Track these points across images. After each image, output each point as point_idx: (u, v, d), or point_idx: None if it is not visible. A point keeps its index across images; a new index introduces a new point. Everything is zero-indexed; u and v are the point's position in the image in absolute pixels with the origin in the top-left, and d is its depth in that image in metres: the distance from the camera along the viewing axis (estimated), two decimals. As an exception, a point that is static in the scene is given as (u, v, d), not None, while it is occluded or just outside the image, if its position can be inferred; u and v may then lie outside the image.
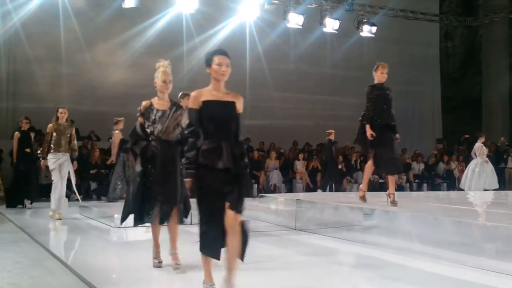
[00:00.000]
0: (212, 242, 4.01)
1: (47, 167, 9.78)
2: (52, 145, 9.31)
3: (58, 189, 9.32)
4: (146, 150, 5.22)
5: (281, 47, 18.89)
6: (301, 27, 17.71)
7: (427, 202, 9.46)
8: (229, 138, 4.08)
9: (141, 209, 5.29)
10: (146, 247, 6.97)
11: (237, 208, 3.98)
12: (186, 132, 4.14)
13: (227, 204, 3.94)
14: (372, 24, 18.72)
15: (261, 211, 9.36)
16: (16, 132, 11.38)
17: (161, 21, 17.08)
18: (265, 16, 17.89)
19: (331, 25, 18.01)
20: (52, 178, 9.43)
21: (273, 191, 15.33)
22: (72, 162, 9.54)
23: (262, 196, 10.38)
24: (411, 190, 17.64)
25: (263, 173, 16.15)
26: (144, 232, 8.32)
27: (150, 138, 5.27)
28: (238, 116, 4.18)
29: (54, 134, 9.33)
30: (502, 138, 19.29)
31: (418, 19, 21.11)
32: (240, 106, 4.21)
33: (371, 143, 7.53)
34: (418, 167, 18.73)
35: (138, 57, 17.09)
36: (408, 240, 6.38)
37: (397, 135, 7.70)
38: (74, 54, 16.40)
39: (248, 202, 4.13)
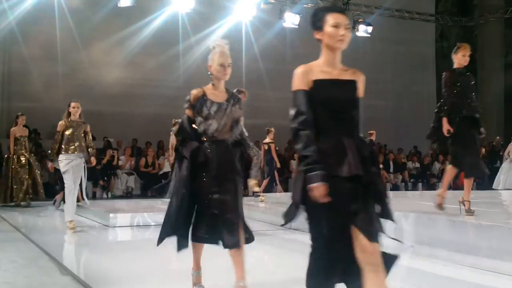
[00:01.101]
0: (327, 278, 2.96)
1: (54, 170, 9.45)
2: (63, 145, 7.92)
3: (73, 194, 7.96)
4: (197, 154, 4.10)
5: (278, 46, 18.89)
6: (297, 26, 17.72)
7: (422, 201, 9.47)
8: (352, 133, 2.92)
9: (186, 228, 4.18)
10: (141, 247, 6.98)
11: (372, 234, 2.87)
12: (295, 123, 2.90)
13: (356, 229, 2.83)
14: (368, 24, 18.76)
15: (257, 210, 9.37)
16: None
17: (157, 20, 17.08)
18: (261, 16, 17.89)
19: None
20: (65, 182, 7.96)
21: (269, 191, 15.34)
22: (90, 158, 8.25)
23: (257, 195, 10.40)
24: (406, 189, 17.71)
25: (259, 173, 16.15)
26: (139, 232, 8.33)
27: (201, 138, 4.17)
28: (359, 101, 3.02)
29: (66, 132, 7.97)
30: (498, 137, 19.37)
31: (414, 19, 21.16)
32: (361, 87, 3.06)
33: (449, 140, 6.42)
34: (413, 166, 18.77)
35: (134, 56, 17.09)
36: (403, 240, 6.38)
37: (482, 129, 6.47)
38: (70, 53, 16.38)
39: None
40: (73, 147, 7.94)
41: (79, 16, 16.41)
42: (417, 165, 18.81)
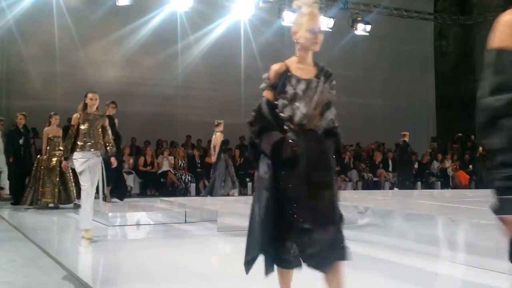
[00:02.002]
0: None
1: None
2: (78, 142, 6.87)
3: (90, 198, 6.83)
4: (281, 147, 3.05)
5: (276, 45, 18.85)
6: (295, 25, 17.71)
7: (421, 200, 9.50)
8: None
9: (277, 245, 3.10)
10: (140, 246, 6.98)
11: None
12: (493, 101, 1.82)
13: None
14: (367, 23, 18.77)
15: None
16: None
17: (156, 19, 17.07)
18: (260, 14, 17.88)
19: (325, 23, 18.03)
20: (82, 184, 6.80)
21: None
22: (109, 159, 7.31)
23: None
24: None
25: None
26: (139, 231, 8.32)
27: (285, 127, 3.14)
28: None
29: (82, 126, 6.94)
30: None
31: (412, 18, 21.17)
32: None
33: None
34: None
35: (133, 55, 17.09)
36: (402, 238, 6.40)
37: None
38: (68, 52, 16.36)
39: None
40: (89, 143, 6.87)
41: (78, 15, 16.39)
42: (416, 164, 18.84)
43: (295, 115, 3.12)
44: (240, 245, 6.42)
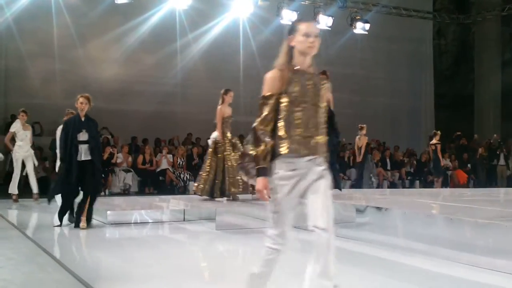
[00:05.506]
0: None
1: None
2: (281, 134, 3.21)
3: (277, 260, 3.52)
4: None
5: (275, 43, 18.67)
6: (294, 23, 17.73)
7: (420, 199, 9.50)
8: None
9: None
10: (138, 245, 6.99)
11: None
12: None
13: None
14: (365, 21, 18.78)
15: (255, 207, 9.37)
16: None
17: (155, 17, 17.08)
18: (259, 13, 17.88)
19: (324, 22, 18.03)
20: (272, 230, 3.57)
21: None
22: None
23: (254, 193, 10.41)
24: (403, 187, 17.72)
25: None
26: (137, 230, 8.32)
27: None
28: None
29: (284, 100, 3.26)
30: (495, 135, 19.40)
31: (411, 16, 21.18)
32: None
33: None
34: (410, 164, 18.81)
35: (132, 53, 17.09)
36: (400, 237, 6.41)
37: None
38: (67, 50, 16.35)
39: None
40: (308, 138, 3.22)
41: (76, 12, 16.38)
42: (414, 162, 18.86)
43: None
44: (238, 243, 6.43)
